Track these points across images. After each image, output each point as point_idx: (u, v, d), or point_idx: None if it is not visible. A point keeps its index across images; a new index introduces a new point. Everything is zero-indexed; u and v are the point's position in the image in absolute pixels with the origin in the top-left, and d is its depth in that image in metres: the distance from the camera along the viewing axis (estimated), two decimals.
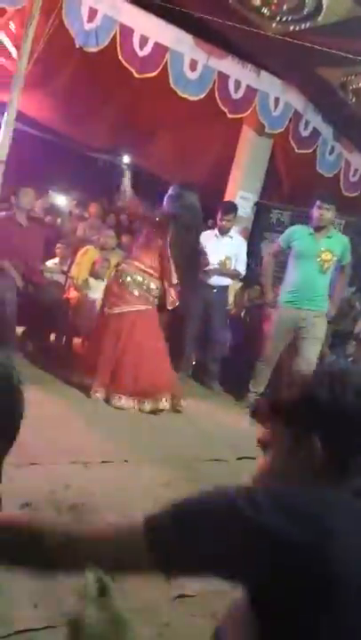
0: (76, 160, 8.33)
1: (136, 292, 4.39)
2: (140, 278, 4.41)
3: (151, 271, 4.45)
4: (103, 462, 3.18)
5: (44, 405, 3.70)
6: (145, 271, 4.44)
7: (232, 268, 5.56)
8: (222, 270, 5.52)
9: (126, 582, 2.07)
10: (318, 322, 5.00)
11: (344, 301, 8.08)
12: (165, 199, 4.58)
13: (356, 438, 0.92)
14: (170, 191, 4.59)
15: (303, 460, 0.94)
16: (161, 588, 2.15)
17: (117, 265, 4.67)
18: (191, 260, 4.66)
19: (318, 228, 5.02)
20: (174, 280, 4.47)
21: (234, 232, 5.78)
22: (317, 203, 4.99)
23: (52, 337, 5.41)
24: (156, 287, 4.46)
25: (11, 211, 5.03)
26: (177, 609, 2.08)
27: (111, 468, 3.15)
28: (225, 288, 5.71)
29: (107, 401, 4.28)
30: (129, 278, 4.40)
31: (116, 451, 3.40)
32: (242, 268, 5.66)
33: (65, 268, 5.88)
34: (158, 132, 7.45)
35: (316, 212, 4.98)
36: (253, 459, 3.64)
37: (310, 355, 4.89)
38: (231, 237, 5.67)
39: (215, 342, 5.56)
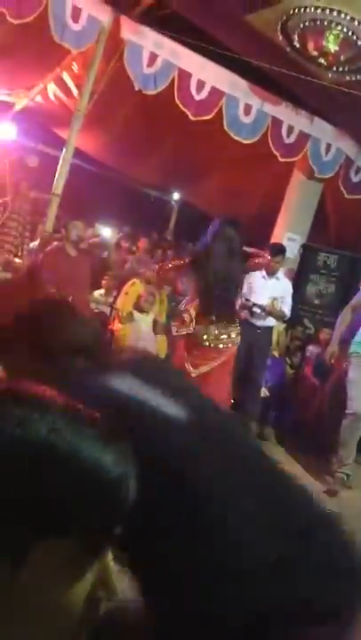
0: (128, 196, 8.56)
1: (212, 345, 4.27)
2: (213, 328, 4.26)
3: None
4: None
5: None
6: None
7: (278, 308, 5.58)
8: (270, 311, 5.53)
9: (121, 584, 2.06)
10: None
11: None
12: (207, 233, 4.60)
13: None
14: (210, 226, 4.61)
15: None
16: None
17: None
18: (228, 292, 4.49)
19: None
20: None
21: (280, 273, 5.82)
22: None
23: None
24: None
25: (62, 242, 5.20)
26: None
27: None
28: (269, 329, 5.72)
29: None
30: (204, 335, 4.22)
31: None
32: (287, 310, 5.66)
33: (111, 300, 5.99)
34: (211, 171, 7.60)
35: None
36: None
37: None
38: (278, 279, 5.70)
39: (256, 383, 5.54)
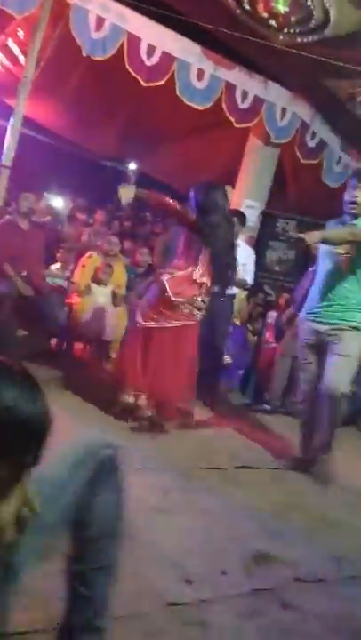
0: (83, 166, 8.37)
1: (186, 310, 4.14)
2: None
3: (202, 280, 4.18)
4: None
5: None
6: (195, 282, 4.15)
7: (240, 276, 5.56)
8: None
9: (117, 587, 2.07)
10: None
11: None
12: (191, 199, 4.29)
13: None
14: (192, 191, 4.33)
15: None
16: (152, 595, 2.14)
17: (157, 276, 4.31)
18: (225, 261, 4.37)
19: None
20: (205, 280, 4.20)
21: (241, 241, 5.79)
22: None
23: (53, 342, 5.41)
24: (202, 300, 4.21)
25: (12, 215, 5.07)
26: (168, 616, 2.05)
27: None
28: (231, 297, 5.70)
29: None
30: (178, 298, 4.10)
31: None
32: (249, 277, 5.65)
33: (67, 274, 5.89)
34: (165, 140, 7.47)
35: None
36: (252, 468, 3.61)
37: None
38: (239, 246, 5.67)
39: (219, 351, 5.55)
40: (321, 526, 3.24)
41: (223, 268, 4.33)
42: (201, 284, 4.14)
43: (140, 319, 4.20)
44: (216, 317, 5.41)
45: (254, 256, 5.86)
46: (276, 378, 5.70)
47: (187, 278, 4.11)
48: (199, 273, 4.13)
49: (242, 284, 5.72)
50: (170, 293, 4.05)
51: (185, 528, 2.78)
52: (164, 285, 4.09)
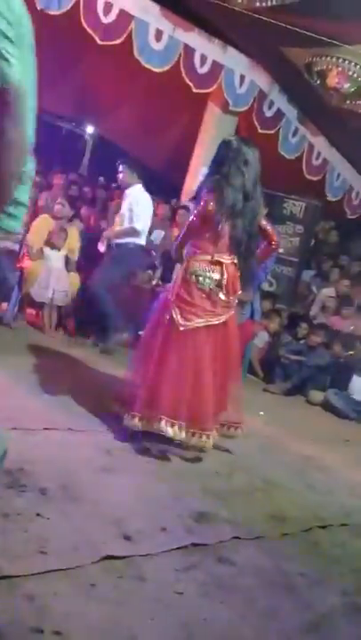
0: (38, 127, 8.16)
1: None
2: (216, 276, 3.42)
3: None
4: (45, 429, 3.16)
5: None
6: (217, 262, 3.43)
7: None
8: None
9: (51, 544, 2.09)
10: None
11: (303, 284, 8.21)
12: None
13: None
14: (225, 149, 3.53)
15: None
16: (88, 549, 2.17)
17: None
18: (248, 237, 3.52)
19: None
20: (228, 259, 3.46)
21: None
22: None
23: (4, 306, 5.32)
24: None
25: None
26: (104, 570, 2.09)
27: (53, 437, 3.14)
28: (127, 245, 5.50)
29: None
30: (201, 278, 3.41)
31: (58, 420, 3.38)
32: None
33: (20, 236, 5.77)
34: (122, 103, 7.33)
35: None
36: None
37: None
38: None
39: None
40: (262, 487, 3.33)
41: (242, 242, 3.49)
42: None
43: (179, 318, 3.34)
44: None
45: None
46: None
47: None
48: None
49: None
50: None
51: (127, 487, 2.82)
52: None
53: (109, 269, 5.27)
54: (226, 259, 3.44)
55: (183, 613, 2.01)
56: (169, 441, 3.37)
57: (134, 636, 1.83)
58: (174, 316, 3.35)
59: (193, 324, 3.35)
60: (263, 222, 3.60)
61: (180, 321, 3.33)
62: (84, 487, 2.64)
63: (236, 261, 3.47)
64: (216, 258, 3.42)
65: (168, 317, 3.38)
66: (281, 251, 6.47)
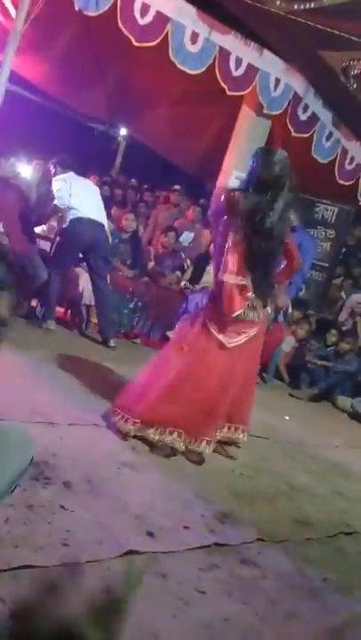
0: (72, 128, 8.25)
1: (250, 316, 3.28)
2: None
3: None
4: (70, 425, 3.17)
5: (16, 365, 3.72)
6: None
7: None
8: None
9: (74, 536, 2.09)
10: None
11: (334, 290, 8.13)
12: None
13: None
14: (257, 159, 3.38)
15: None
16: (111, 544, 2.17)
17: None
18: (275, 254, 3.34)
19: None
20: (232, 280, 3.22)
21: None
22: None
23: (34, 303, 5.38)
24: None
25: None
26: (126, 564, 2.08)
27: (78, 432, 3.15)
28: None
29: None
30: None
31: (84, 415, 3.39)
32: None
33: (52, 236, 5.84)
34: (155, 105, 7.35)
35: None
36: None
37: None
38: None
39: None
40: (286, 491, 3.29)
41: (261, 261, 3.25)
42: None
43: (220, 336, 3.26)
44: None
45: None
46: None
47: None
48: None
49: None
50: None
51: (151, 484, 2.81)
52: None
53: (57, 248, 5.44)
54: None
55: (205, 612, 2.00)
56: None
57: (156, 632, 1.82)
58: (213, 332, 3.27)
59: (236, 342, 3.28)
60: (288, 242, 3.41)
61: (226, 339, 3.26)
62: (107, 482, 2.64)
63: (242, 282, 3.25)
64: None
65: (202, 332, 3.30)
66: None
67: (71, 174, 5.37)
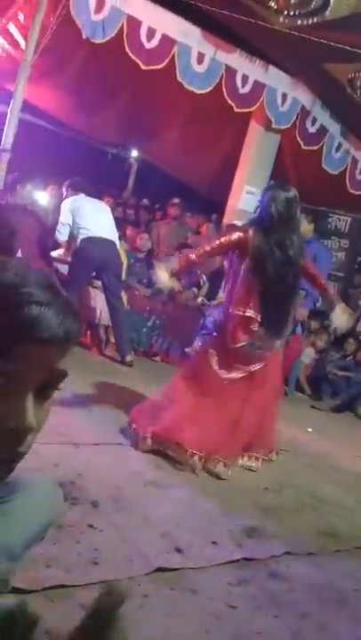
0: (85, 153, 8.40)
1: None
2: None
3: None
4: (95, 445, 3.20)
5: None
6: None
7: None
8: None
9: (103, 555, 2.11)
10: None
11: (351, 299, 8.12)
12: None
13: None
14: (268, 195, 3.36)
15: None
16: (140, 561, 2.19)
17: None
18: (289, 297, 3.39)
19: None
20: (238, 311, 3.29)
21: None
22: None
23: None
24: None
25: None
26: (156, 582, 2.10)
27: (103, 452, 3.18)
28: None
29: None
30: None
31: (108, 435, 3.43)
32: None
33: (69, 259, 5.91)
34: (165, 125, 7.47)
35: None
36: None
37: None
38: None
39: None
40: (312, 503, 3.28)
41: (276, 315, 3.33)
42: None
43: (219, 370, 3.35)
44: None
45: None
46: None
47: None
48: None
49: None
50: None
51: (178, 501, 2.83)
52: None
53: (71, 268, 5.43)
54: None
55: (237, 627, 2.00)
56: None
57: None
58: (212, 364, 3.37)
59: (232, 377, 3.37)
60: (306, 265, 3.48)
61: (219, 371, 3.36)
62: (134, 500, 2.67)
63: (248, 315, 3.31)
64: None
65: (208, 368, 3.40)
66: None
67: (81, 196, 5.46)
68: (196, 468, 3.23)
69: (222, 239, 3.38)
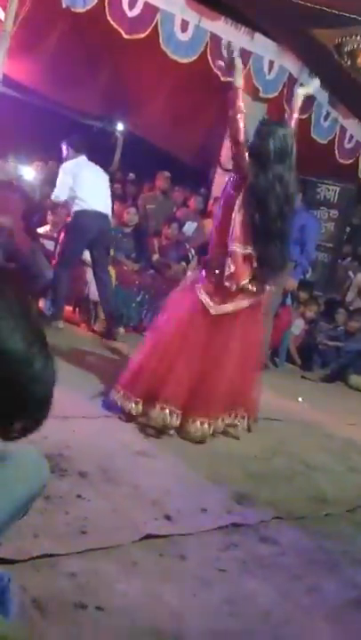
0: (70, 127, 8.25)
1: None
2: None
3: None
4: (83, 417, 3.19)
5: None
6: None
7: None
8: None
9: (92, 524, 2.11)
10: None
11: (340, 270, 8.10)
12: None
13: None
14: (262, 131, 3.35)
15: None
16: (129, 529, 2.19)
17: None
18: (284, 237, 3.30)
19: None
20: (239, 249, 3.19)
21: None
22: None
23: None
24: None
25: None
26: (145, 549, 2.10)
27: (91, 424, 3.17)
28: None
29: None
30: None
31: (96, 408, 3.42)
32: None
33: (55, 235, 5.85)
34: (150, 96, 7.34)
35: None
36: None
37: None
38: None
39: None
40: (303, 470, 3.30)
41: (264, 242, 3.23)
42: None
43: (207, 300, 3.24)
44: None
45: None
46: None
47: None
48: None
49: None
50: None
51: (168, 470, 2.83)
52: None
53: (65, 243, 5.29)
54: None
55: (225, 590, 2.01)
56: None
57: (176, 611, 1.84)
58: (203, 300, 3.25)
59: (223, 310, 3.25)
60: None
61: (211, 304, 3.24)
62: (123, 470, 2.67)
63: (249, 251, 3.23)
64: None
65: (194, 303, 3.29)
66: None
67: (83, 159, 5.30)
68: (170, 423, 3.16)
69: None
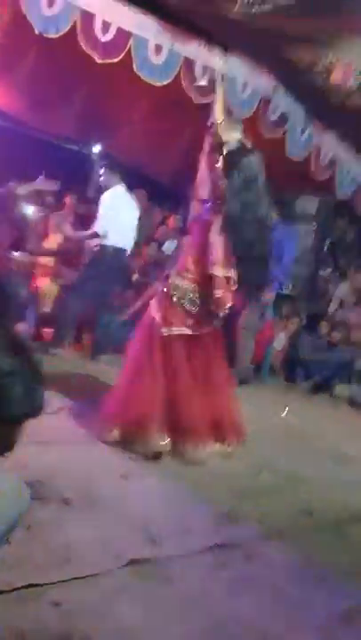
0: (46, 150, 8.31)
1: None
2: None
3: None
4: (66, 443, 3.17)
5: None
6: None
7: None
8: None
9: (76, 551, 2.09)
10: None
11: (321, 282, 8.17)
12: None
13: None
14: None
15: None
16: (114, 555, 2.16)
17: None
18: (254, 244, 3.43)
19: None
20: (220, 272, 3.24)
21: None
22: None
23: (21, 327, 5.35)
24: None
25: None
26: (130, 574, 2.08)
27: (74, 449, 3.14)
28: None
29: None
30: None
31: (79, 433, 3.39)
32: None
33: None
34: (126, 119, 7.40)
35: None
36: None
37: None
38: None
39: None
40: (289, 484, 3.30)
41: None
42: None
43: (161, 324, 3.28)
44: None
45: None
46: None
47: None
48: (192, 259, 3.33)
49: None
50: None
51: (152, 492, 2.82)
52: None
53: (82, 277, 5.37)
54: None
55: (213, 612, 1.99)
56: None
57: (164, 636, 1.82)
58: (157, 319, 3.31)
59: (173, 332, 3.29)
60: None
61: (162, 327, 3.28)
62: (106, 495, 2.65)
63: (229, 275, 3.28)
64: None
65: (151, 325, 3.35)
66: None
67: (119, 191, 5.39)
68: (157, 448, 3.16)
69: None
